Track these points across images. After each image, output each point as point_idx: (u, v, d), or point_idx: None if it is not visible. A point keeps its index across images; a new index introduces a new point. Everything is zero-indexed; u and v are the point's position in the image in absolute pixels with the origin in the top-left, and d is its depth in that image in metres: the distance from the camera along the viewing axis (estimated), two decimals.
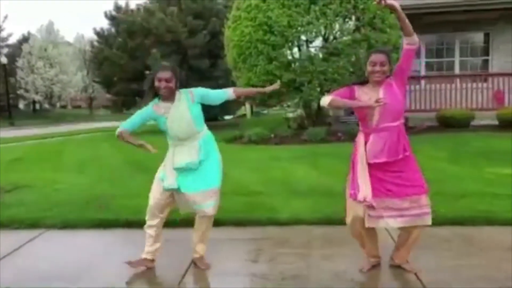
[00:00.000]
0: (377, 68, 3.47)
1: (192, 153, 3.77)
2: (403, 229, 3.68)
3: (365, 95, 3.53)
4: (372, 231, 3.72)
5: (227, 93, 3.94)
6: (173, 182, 3.78)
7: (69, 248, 4.62)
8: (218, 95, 3.95)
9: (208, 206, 3.80)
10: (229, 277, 3.70)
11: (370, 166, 3.54)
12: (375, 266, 3.78)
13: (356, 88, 3.61)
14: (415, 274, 3.61)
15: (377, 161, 3.51)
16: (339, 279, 3.63)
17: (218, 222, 4.98)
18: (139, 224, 5.03)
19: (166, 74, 3.68)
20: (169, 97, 3.76)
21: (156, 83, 3.70)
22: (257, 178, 7.21)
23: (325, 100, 3.56)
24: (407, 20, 3.45)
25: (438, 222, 4.67)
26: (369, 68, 3.52)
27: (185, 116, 3.74)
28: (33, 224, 5.21)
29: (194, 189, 3.76)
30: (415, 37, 3.50)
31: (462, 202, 5.39)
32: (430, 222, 3.57)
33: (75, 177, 8.04)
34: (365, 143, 3.56)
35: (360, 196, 3.49)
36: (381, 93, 3.47)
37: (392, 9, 3.40)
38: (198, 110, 3.84)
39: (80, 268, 4.02)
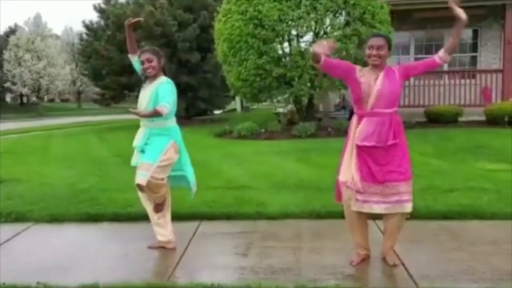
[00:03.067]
0: (374, 51, 3.52)
1: (140, 138, 4.10)
2: (385, 219, 3.71)
3: (364, 78, 3.57)
4: (362, 220, 3.73)
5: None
6: (135, 160, 4.15)
7: (56, 241, 4.59)
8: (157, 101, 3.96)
9: (139, 175, 3.96)
10: (218, 271, 3.70)
11: (361, 150, 3.57)
12: (365, 259, 3.80)
13: (358, 68, 3.64)
14: (405, 267, 3.64)
15: (366, 144, 3.53)
16: (329, 272, 3.65)
17: (208, 216, 5.01)
18: (127, 217, 5.06)
19: (146, 55, 4.03)
20: (154, 76, 4.05)
21: (141, 67, 4.07)
22: (247, 172, 7.21)
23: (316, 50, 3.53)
24: (459, 37, 3.55)
25: (426, 216, 4.76)
26: (367, 51, 3.57)
27: (147, 98, 4.02)
28: (20, 218, 5.17)
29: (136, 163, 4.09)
30: (450, 57, 3.56)
31: (449, 197, 5.43)
32: (408, 210, 3.59)
33: (63, 171, 7.98)
34: (358, 125, 3.60)
35: (340, 178, 3.62)
36: (380, 77, 3.52)
37: (457, 18, 3.51)
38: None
39: (68, 261, 3.99)
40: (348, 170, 3.59)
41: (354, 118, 3.67)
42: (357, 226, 3.73)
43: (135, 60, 4.21)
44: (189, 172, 4.27)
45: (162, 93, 3.94)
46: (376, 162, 3.55)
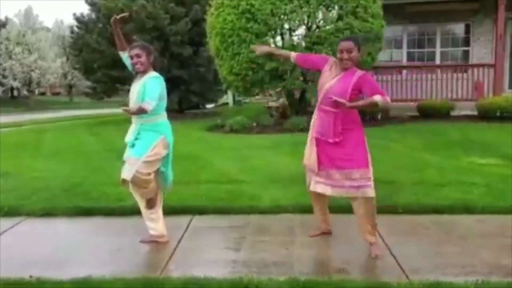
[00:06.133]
0: (345, 55, 3.71)
1: (130, 133, 4.11)
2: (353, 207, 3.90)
3: (327, 73, 3.84)
4: (321, 201, 4.15)
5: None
6: (126, 155, 4.14)
7: (49, 235, 4.58)
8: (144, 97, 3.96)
9: (125, 169, 4.04)
10: (211, 265, 3.71)
11: (317, 139, 3.92)
12: (325, 233, 4.24)
13: (331, 62, 3.89)
14: (396, 261, 3.67)
15: (317, 136, 3.90)
16: (321, 266, 3.68)
17: (200, 210, 5.02)
18: (120, 211, 5.05)
19: (135, 51, 4.01)
20: (144, 72, 4.03)
21: (130, 62, 4.04)
22: (239, 166, 7.22)
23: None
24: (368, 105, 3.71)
25: (417, 210, 4.80)
26: (338, 55, 3.77)
27: (135, 94, 4.02)
28: (12, 212, 5.14)
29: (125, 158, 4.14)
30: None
31: (440, 191, 5.47)
32: (359, 195, 3.74)
33: (55, 165, 7.95)
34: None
35: (304, 162, 4.06)
36: (337, 78, 3.75)
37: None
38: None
39: (60, 255, 3.99)
40: (309, 155, 3.97)
41: (315, 110, 4.01)
42: (316, 205, 4.17)
43: (125, 56, 4.19)
44: (169, 173, 4.28)
45: (147, 89, 3.93)
46: (329, 149, 3.82)
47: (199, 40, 16.97)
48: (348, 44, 3.72)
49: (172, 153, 4.24)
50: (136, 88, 4.05)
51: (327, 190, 3.85)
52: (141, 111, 3.86)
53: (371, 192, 3.71)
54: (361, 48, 3.82)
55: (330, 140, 3.78)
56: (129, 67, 4.16)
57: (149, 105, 3.82)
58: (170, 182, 4.33)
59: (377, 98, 3.54)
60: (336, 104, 3.65)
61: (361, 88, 3.68)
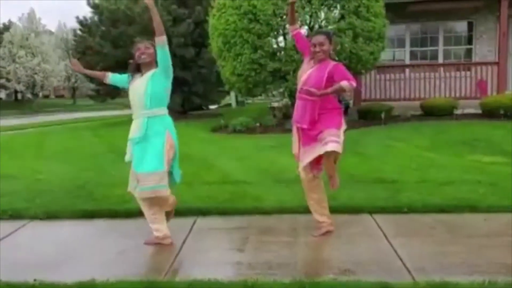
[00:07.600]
0: (317, 49, 4.01)
1: (135, 129, 4.04)
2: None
3: (307, 64, 4.17)
4: (314, 182, 4.27)
5: None
6: (129, 155, 4.11)
7: (53, 238, 4.58)
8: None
9: (142, 188, 3.97)
10: (215, 266, 3.70)
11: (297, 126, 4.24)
12: (329, 232, 4.25)
13: (310, 55, 4.12)
14: (401, 260, 3.64)
15: (298, 125, 4.17)
16: (325, 266, 3.66)
17: (204, 212, 5.01)
18: (123, 213, 5.04)
19: (144, 43, 4.10)
20: (149, 65, 4.04)
21: (136, 54, 4.04)
22: (242, 167, 7.21)
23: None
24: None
25: (422, 209, 4.78)
26: (311, 49, 4.05)
27: (141, 89, 4.00)
28: (15, 215, 5.14)
29: (139, 169, 4.00)
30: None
31: (445, 190, 5.45)
32: (328, 149, 3.94)
33: (58, 167, 7.95)
34: None
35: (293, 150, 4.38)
36: (312, 69, 4.07)
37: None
38: (157, 89, 3.99)
39: (64, 258, 3.98)
40: (294, 144, 4.32)
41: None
42: (309, 188, 4.29)
43: (110, 78, 4.39)
44: (176, 169, 4.23)
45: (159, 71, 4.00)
46: (305, 134, 4.13)
47: (202, 41, 16.97)
48: (320, 38, 4.04)
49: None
50: (141, 83, 4.02)
51: (314, 154, 4.05)
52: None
53: (335, 147, 3.92)
54: (333, 41, 4.11)
55: (305, 126, 4.07)
56: (120, 84, 4.31)
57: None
58: (178, 175, 4.26)
59: (343, 83, 3.82)
60: (310, 93, 3.88)
61: (333, 77, 3.93)
